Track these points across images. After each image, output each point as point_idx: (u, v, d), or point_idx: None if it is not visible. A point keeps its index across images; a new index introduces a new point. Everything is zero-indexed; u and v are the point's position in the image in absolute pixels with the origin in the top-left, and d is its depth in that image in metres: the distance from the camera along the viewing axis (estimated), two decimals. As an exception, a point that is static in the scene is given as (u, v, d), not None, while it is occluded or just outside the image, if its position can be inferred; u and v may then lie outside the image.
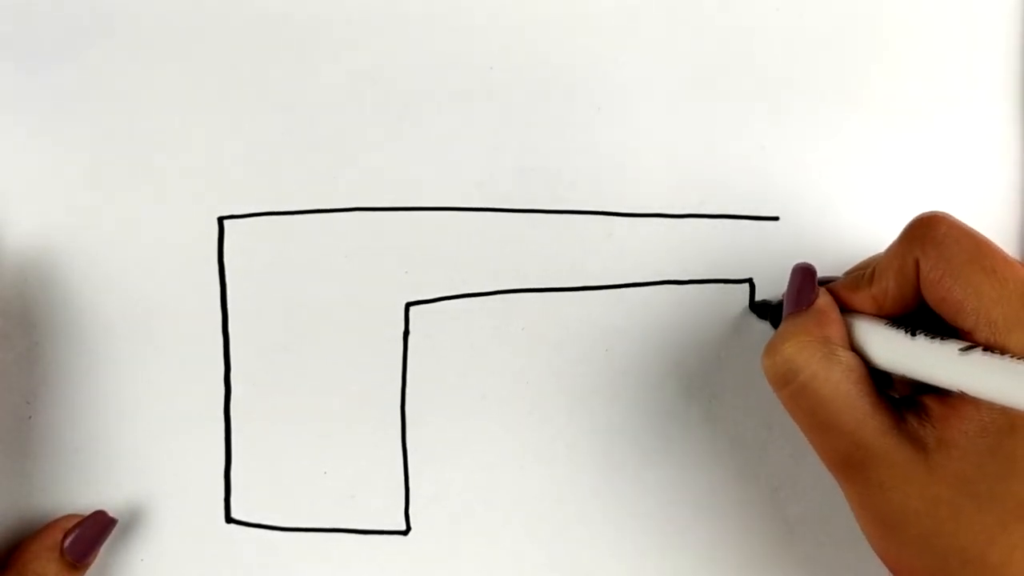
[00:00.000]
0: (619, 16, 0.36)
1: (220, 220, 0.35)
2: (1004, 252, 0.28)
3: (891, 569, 0.31)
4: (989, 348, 0.27)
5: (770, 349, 0.31)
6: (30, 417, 0.35)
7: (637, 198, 0.36)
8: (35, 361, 0.35)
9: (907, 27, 0.37)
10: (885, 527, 0.29)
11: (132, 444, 0.35)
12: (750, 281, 0.36)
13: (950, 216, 0.29)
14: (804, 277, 0.32)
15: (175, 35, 0.35)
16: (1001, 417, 0.27)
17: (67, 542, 0.33)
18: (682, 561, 0.36)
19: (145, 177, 0.35)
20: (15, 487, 0.35)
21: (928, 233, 0.29)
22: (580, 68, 0.36)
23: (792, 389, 0.30)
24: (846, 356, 0.30)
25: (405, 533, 0.36)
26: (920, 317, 0.30)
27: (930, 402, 0.29)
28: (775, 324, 0.34)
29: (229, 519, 0.35)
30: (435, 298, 0.36)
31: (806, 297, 0.31)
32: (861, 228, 0.36)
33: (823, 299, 0.31)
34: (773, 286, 0.36)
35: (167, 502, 0.35)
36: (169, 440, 0.35)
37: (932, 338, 0.29)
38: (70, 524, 0.34)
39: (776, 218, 0.36)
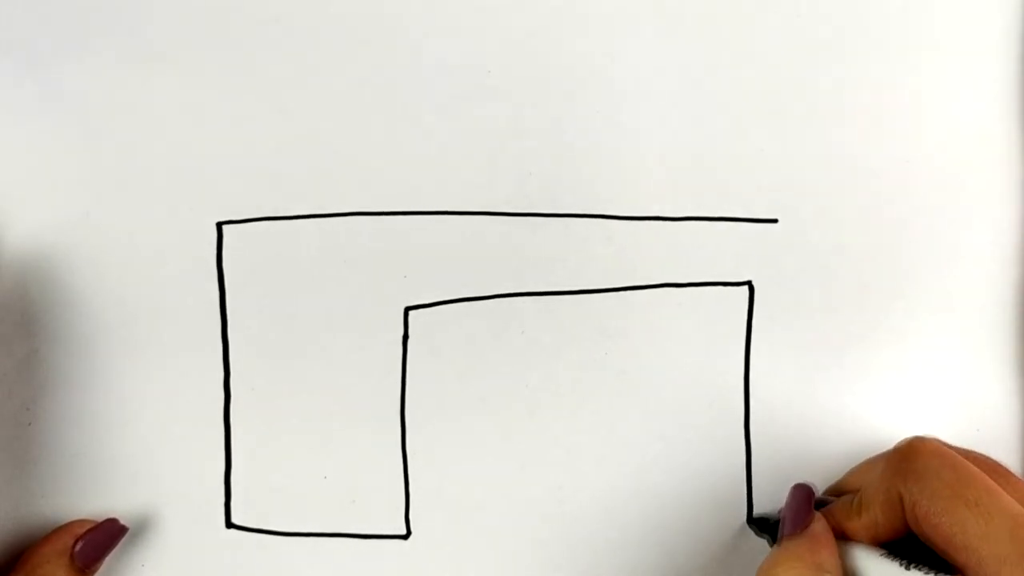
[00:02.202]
0: (618, 19, 0.36)
1: (219, 225, 0.35)
2: (988, 481, 0.28)
3: None
4: None
5: (763, 573, 0.31)
6: (30, 423, 0.35)
7: (636, 201, 0.36)
8: (35, 367, 0.35)
9: (906, 27, 0.37)
10: None
11: (132, 449, 0.35)
12: (749, 284, 0.36)
13: (932, 443, 0.29)
14: (802, 499, 0.32)
15: (175, 39, 0.35)
16: None
17: (77, 547, 0.33)
18: (682, 562, 0.36)
19: (144, 182, 0.35)
20: (15, 493, 0.35)
21: (909, 466, 0.29)
22: (579, 71, 0.36)
23: None
24: None
25: (405, 537, 0.36)
26: (916, 542, 0.29)
27: None
28: (773, 540, 0.33)
29: (229, 524, 0.35)
30: (434, 302, 0.36)
31: (801, 519, 0.31)
32: (860, 230, 0.36)
33: (818, 524, 0.31)
34: (772, 289, 0.36)
35: (167, 507, 0.35)
36: (169, 445, 0.35)
37: (927, 572, 0.28)
38: (82, 530, 0.34)
39: (775, 220, 0.36)
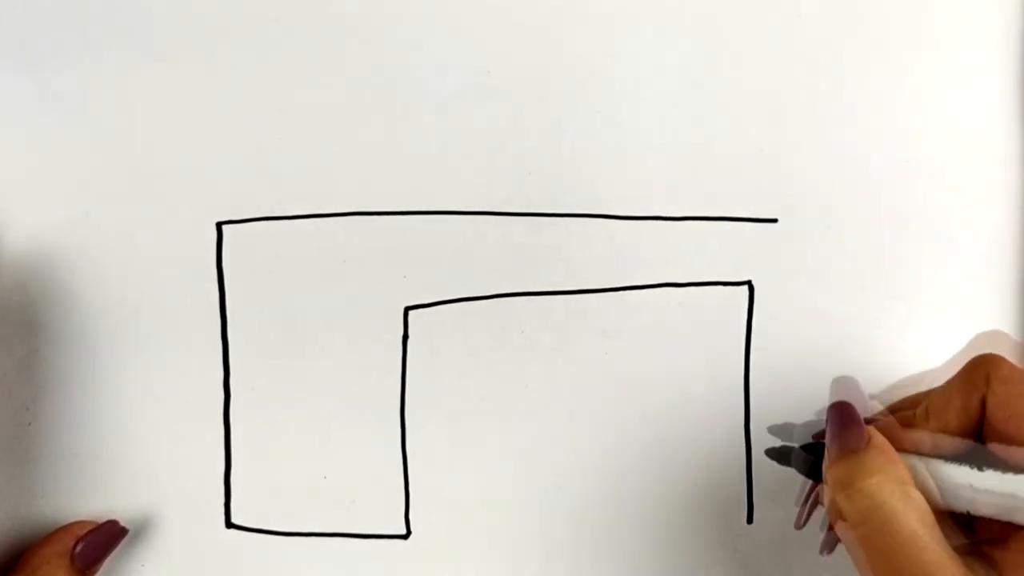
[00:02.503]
0: (617, 19, 0.36)
1: (219, 225, 0.35)
2: None
3: None
4: None
5: (843, 486, 0.30)
6: (30, 423, 0.35)
7: (636, 201, 0.36)
8: (35, 367, 0.35)
9: (906, 27, 0.37)
10: None
11: (132, 449, 0.35)
12: (749, 283, 0.36)
13: (1005, 358, 0.30)
14: (851, 414, 0.31)
15: (175, 39, 0.35)
16: None
17: (78, 548, 0.33)
18: (682, 562, 0.36)
19: (144, 183, 0.35)
20: (15, 493, 0.35)
21: (995, 372, 0.29)
22: (579, 71, 0.36)
23: (870, 528, 0.29)
24: (917, 496, 0.29)
25: (405, 537, 0.36)
26: (971, 455, 0.30)
27: (993, 552, 0.29)
28: (800, 469, 0.33)
29: (229, 524, 0.35)
30: (434, 302, 0.36)
31: (860, 436, 0.30)
32: (860, 230, 0.36)
33: (879, 437, 0.31)
34: (772, 288, 0.36)
35: (167, 507, 0.35)
36: (169, 445, 0.35)
37: (1003, 472, 0.28)
38: (82, 531, 0.34)
39: (775, 220, 0.36)
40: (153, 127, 0.35)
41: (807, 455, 0.32)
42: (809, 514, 0.34)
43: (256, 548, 0.35)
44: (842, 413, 0.31)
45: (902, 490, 0.29)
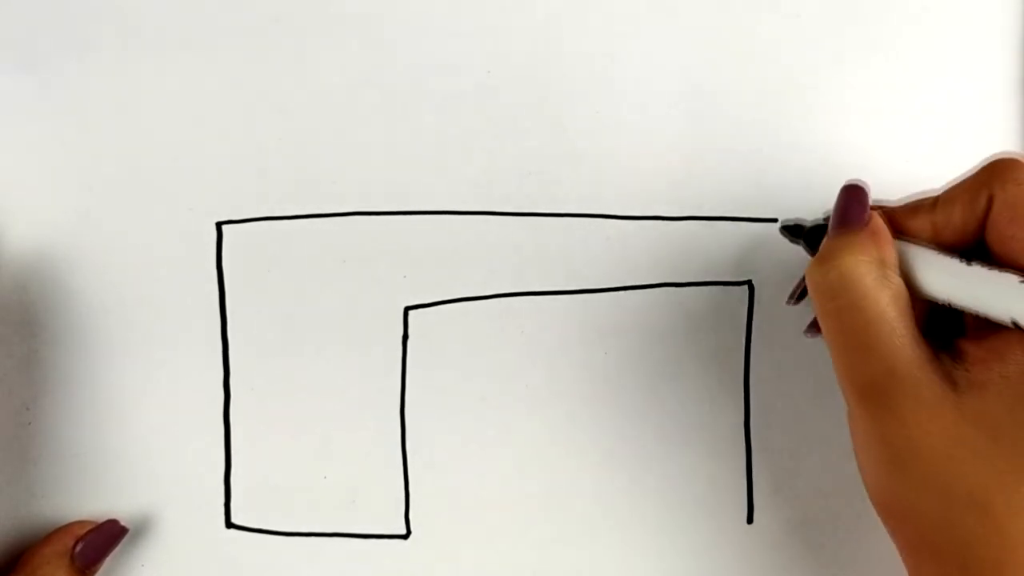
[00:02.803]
0: (617, 19, 0.36)
1: (218, 225, 0.35)
2: None
3: (882, 510, 0.30)
4: None
5: (823, 260, 0.30)
6: (30, 423, 0.35)
7: (635, 201, 0.36)
8: (34, 366, 0.35)
9: (906, 27, 0.37)
10: (893, 463, 0.29)
11: (132, 449, 0.35)
12: (749, 283, 0.36)
13: None
14: (860, 195, 0.32)
15: (175, 39, 0.35)
16: None
17: (78, 549, 0.33)
18: (682, 562, 0.36)
19: (143, 182, 0.35)
20: (15, 493, 0.35)
21: (1011, 172, 0.29)
22: (578, 71, 0.36)
23: (839, 304, 0.30)
24: (896, 280, 0.29)
25: (405, 537, 0.36)
26: (974, 253, 0.29)
27: (967, 346, 0.29)
28: (810, 247, 0.33)
29: (229, 524, 0.35)
30: (434, 302, 0.36)
31: (861, 215, 0.31)
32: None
33: (878, 220, 0.31)
34: (772, 288, 0.36)
35: (167, 507, 0.35)
36: (169, 445, 0.35)
37: (990, 267, 0.28)
38: (82, 531, 0.34)
39: (775, 220, 0.36)
40: (153, 127, 0.35)
41: (815, 232, 0.33)
42: (799, 290, 0.35)
43: (256, 548, 0.35)
44: (850, 192, 0.32)
45: (881, 271, 0.29)
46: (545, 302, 0.36)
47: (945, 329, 0.31)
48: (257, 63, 0.35)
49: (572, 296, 0.36)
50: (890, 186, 0.36)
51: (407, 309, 0.36)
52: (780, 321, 0.36)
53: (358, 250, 0.36)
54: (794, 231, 0.34)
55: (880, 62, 0.36)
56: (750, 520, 0.36)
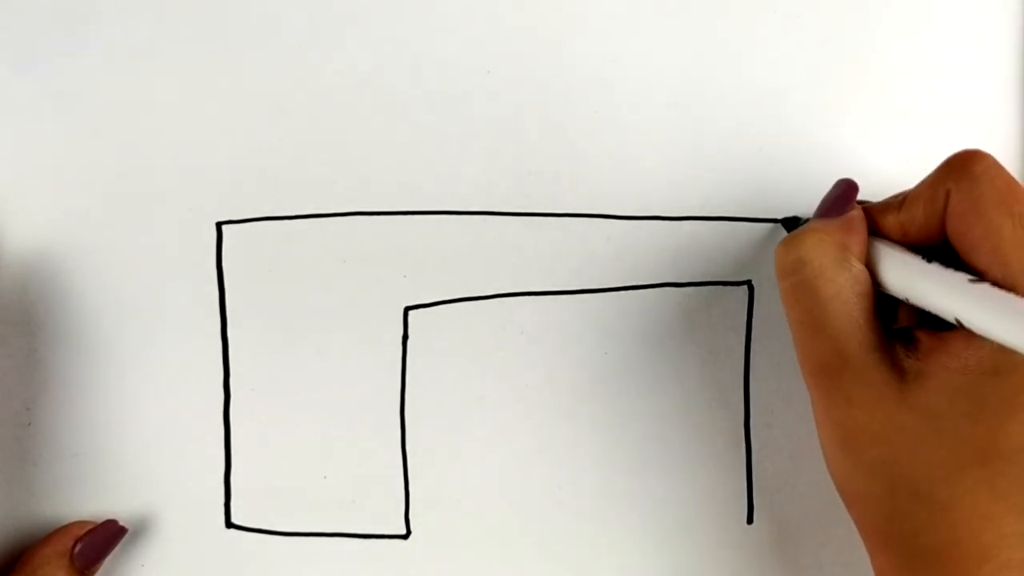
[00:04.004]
0: (617, 19, 0.36)
1: (218, 225, 0.35)
2: None
3: (841, 489, 0.31)
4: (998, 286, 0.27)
5: (789, 239, 0.31)
6: (30, 423, 0.35)
7: (635, 201, 0.36)
8: (34, 367, 0.35)
9: (906, 28, 0.37)
10: (843, 444, 0.30)
11: (132, 450, 0.35)
12: (748, 283, 0.36)
13: (991, 156, 0.29)
14: (845, 190, 0.32)
15: (175, 39, 0.35)
16: (987, 359, 0.28)
17: (77, 549, 0.33)
18: (682, 562, 0.36)
19: (143, 182, 0.35)
20: (14, 493, 0.35)
21: (965, 166, 0.29)
22: (578, 71, 0.36)
23: (795, 280, 0.30)
24: (857, 267, 0.30)
25: (405, 537, 0.36)
26: (943, 252, 0.30)
27: (921, 336, 0.29)
28: None
29: (229, 524, 0.35)
30: (434, 302, 0.36)
31: (840, 207, 0.32)
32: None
33: (855, 212, 0.31)
34: (772, 288, 0.36)
35: (167, 507, 0.35)
36: (169, 445, 0.35)
37: (946, 267, 0.29)
38: (81, 531, 0.34)
39: (775, 220, 0.36)
40: (153, 127, 0.35)
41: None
42: None
43: (256, 548, 0.35)
44: (838, 186, 0.33)
45: (842, 255, 0.30)
46: (545, 302, 0.36)
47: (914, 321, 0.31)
48: (257, 62, 0.35)
49: (572, 296, 0.36)
50: (890, 186, 0.36)
51: (407, 309, 0.36)
52: (780, 321, 0.36)
53: (358, 250, 0.36)
54: (790, 225, 0.35)
55: (880, 62, 0.36)
56: (750, 520, 0.36)
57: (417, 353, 0.36)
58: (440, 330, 0.36)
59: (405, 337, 0.36)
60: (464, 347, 0.36)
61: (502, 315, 0.36)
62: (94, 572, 0.34)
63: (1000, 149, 0.37)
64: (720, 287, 0.36)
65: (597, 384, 0.36)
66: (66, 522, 0.35)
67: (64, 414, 0.35)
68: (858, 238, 0.31)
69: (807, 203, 0.36)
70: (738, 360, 0.36)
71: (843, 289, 0.30)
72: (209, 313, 0.35)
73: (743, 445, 0.36)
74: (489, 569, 0.36)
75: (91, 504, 0.35)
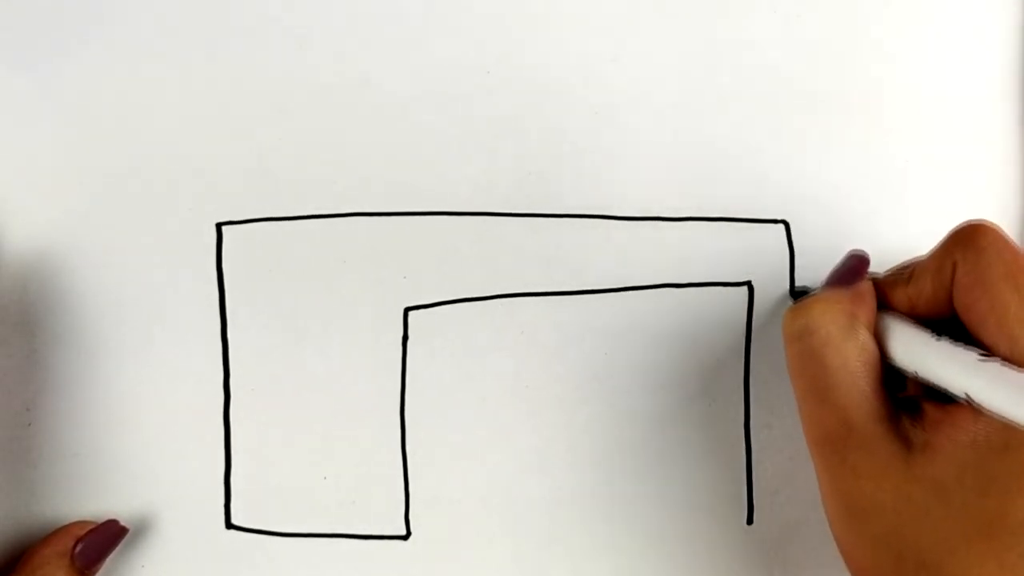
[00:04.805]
0: (617, 19, 0.36)
1: (218, 226, 0.35)
2: None
3: (847, 560, 0.31)
4: (1007, 363, 0.27)
5: (797, 307, 0.31)
6: (30, 424, 0.35)
7: (635, 201, 0.36)
8: (34, 367, 0.35)
9: (906, 28, 0.37)
10: (850, 515, 0.29)
11: (132, 450, 0.35)
12: (749, 284, 0.36)
13: (997, 228, 0.29)
14: (858, 263, 0.33)
15: (175, 39, 0.35)
16: (996, 435, 0.27)
17: (78, 549, 0.33)
18: (682, 563, 0.36)
19: (143, 183, 0.35)
20: (14, 494, 0.35)
21: (971, 239, 0.29)
22: (578, 71, 0.36)
23: (802, 347, 0.30)
24: (865, 337, 0.30)
25: (405, 538, 0.36)
26: (951, 326, 0.30)
27: (929, 408, 0.29)
28: None
29: (229, 525, 0.35)
30: (434, 303, 0.36)
31: (850, 279, 0.32)
32: (860, 230, 0.36)
33: (865, 284, 0.32)
34: (772, 289, 0.36)
35: (167, 508, 0.35)
36: (169, 446, 0.35)
37: (955, 343, 0.28)
38: (82, 531, 0.34)
39: (775, 220, 0.36)
40: (153, 127, 0.35)
41: None
42: None
43: (256, 549, 0.35)
44: (850, 259, 0.33)
45: (850, 323, 0.30)
46: (545, 303, 0.36)
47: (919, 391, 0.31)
48: (257, 63, 0.35)
49: (572, 296, 0.36)
50: (890, 186, 0.36)
51: (407, 310, 0.36)
52: (780, 322, 0.36)
53: (358, 250, 0.35)
54: (798, 295, 0.35)
55: (880, 62, 0.36)
56: (750, 521, 0.36)
57: (417, 354, 0.36)
58: (440, 331, 0.36)
59: (405, 338, 0.36)
60: (464, 347, 0.36)
61: (502, 316, 0.36)
62: (95, 572, 0.34)
63: (1000, 149, 0.37)
64: (720, 287, 0.36)
65: (597, 384, 0.36)
66: (66, 522, 0.34)
67: (64, 414, 0.35)
68: (866, 309, 0.31)
69: (807, 203, 0.36)
70: (738, 360, 0.36)
71: (850, 358, 0.29)
72: (209, 313, 0.35)
73: (743, 445, 0.36)
74: (489, 569, 0.36)
75: (91, 504, 0.35)
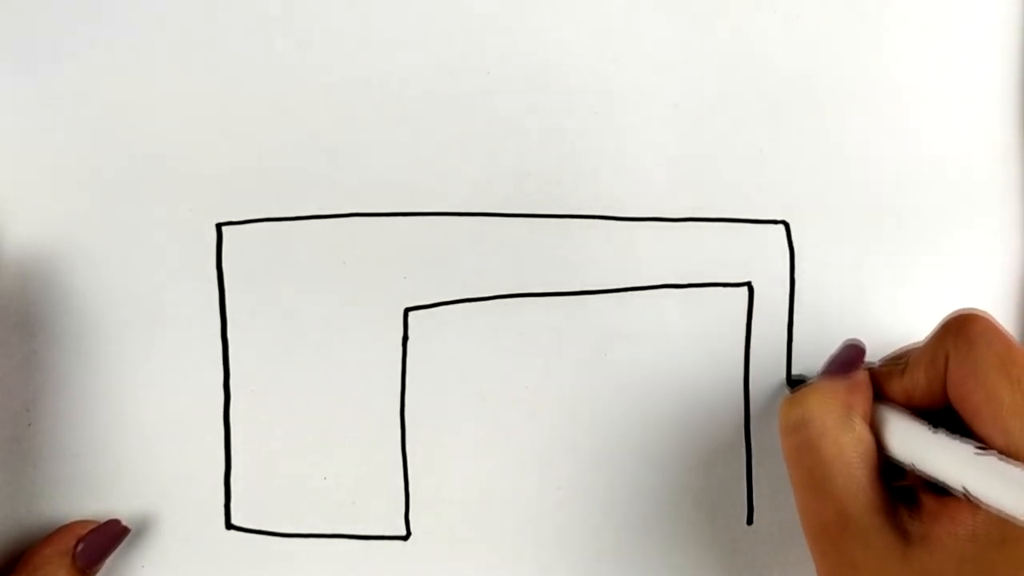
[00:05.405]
0: (617, 19, 0.36)
1: (218, 226, 0.35)
2: None
3: None
4: (1004, 456, 0.27)
5: (793, 397, 0.31)
6: (30, 424, 0.35)
7: (635, 202, 0.36)
8: (35, 368, 0.35)
9: (906, 28, 0.37)
10: None
11: (132, 451, 0.35)
12: (748, 285, 0.36)
13: (988, 317, 0.29)
14: (854, 353, 0.33)
15: (175, 39, 0.35)
16: (994, 528, 0.27)
17: (79, 548, 0.33)
18: (682, 563, 0.36)
19: (143, 183, 0.35)
20: (15, 494, 0.35)
21: (962, 330, 0.29)
22: (578, 71, 0.36)
23: (798, 439, 0.30)
24: (861, 428, 0.30)
25: (405, 538, 0.36)
26: (948, 417, 0.29)
27: (926, 499, 0.29)
28: None
29: (229, 525, 0.35)
30: (434, 303, 0.36)
31: (847, 369, 0.32)
32: (859, 231, 0.36)
33: (861, 375, 0.32)
34: (772, 290, 0.36)
35: (167, 509, 0.35)
36: (169, 446, 0.35)
37: (952, 436, 0.28)
38: (84, 530, 0.34)
39: (775, 221, 0.36)
40: (153, 127, 0.35)
41: None
42: None
43: (256, 549, 0.35)
44: (846, 349, 0.33)
45: (847, 414, 0.30)
46: (545, 303, 0.36)
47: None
48: (257, 63, 0.35)
49: (572, 297, 0.36)
50: (890, 186, 0.36)
51: (407, 310, 0.36)
52: (780, 323, 0.36)
53: (358, 251, 0.35)
54: (795, 384, 0.35)
55: (880, 62, 0.36)
56: (750, 521, 0.36)
57: (417, 354, 0.36)
58: (440, 331, 0.36)
59: (405, 338, 0.36)
60: (464, 348, 0.36)
61: (502, 316, 0.36)
62: (96, 572, 0.34)
63: (1000, 149, 0.37)
64: (720, 288, 0.36)
65: (597, 385, 0.36)
66: (67, 522, 0.35)
67: (64, 414, 0.35)
68: (863, 400, 0.31)
69: (807, 203, 0.36)
70: (738, 360, 0.36)
71: (846, 449, 0.29)
72: (209, 314, 0.35)
73: (743, 445, 0.36)
74: (489, 570, 0.36)
75: (91, 504, 0.35)
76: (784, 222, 0.36)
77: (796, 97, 0.36)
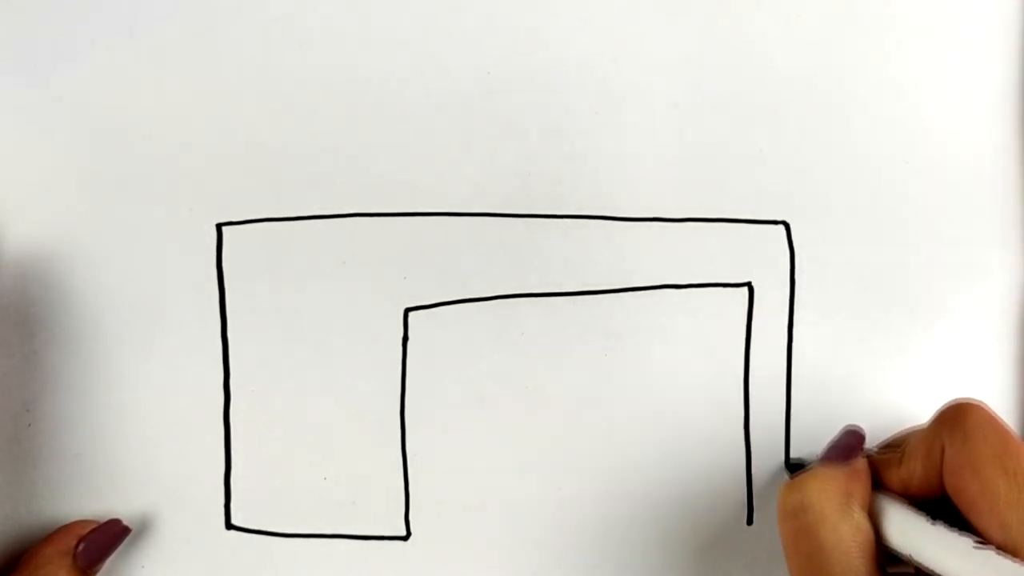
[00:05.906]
0: (618, 20, 0.36)
1: (219, 226, 0.35)
2: None
3: None
4: (1002, 550, 0.27)
5: (793, 483, 0.31)
6: (30, 424, 0.35)
7: (636, 202, 0.36)
8: (35, 368, 0.35)
9: (906, 28, 0.37)
10: None
11: (132, 451, 0.35)
12: (749, 285, 0.36)
13: (983, 407, 0.29)
14: (854, 440, 0.32)
15: (175, 39, 0.35)
16: None
17: (80, 548, 0.33)
18: (682, 563, 0.36)
19: (144, 182, 0.35)
20: (15, 494, 0.35)
21: (958, 421, 0.29)
22: (579, 72, 0.36)
23: (797, 525, 0.30)
24: (860, 517, 0.30)
25: (405, 538, 0.36)
26: (946, 506, 0.29)
27: None
28: None
29: (229, 526, 0.35)
30: (434, 303, 0.36)
31: (847, 455, 0.32)
32: (860, 231, 0.36)
33: (860, 462, 0.31)
34: (772, 289, 0.36)
35: (167, 509, 0.35)
36: (168, 447, 0.35)
37: (951, 529, 0.28)
38: (84, 530, 0.34)
39: (775, 221, 0.36)
40: (153, 127, 0.35)
41: None
42: None
43: (256, 549, 0.35)
44: (846, 435, 0.33)
45: (846, 502, 0.30)
46: (545, 303, 0.36)
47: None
48: (258, 63, 0.35)
49: (572, 297, 0.36)
50: (890, 185, 0.36)
51: (407, 311, 0.36)
52: (780, 323, 0.36)
53: (358, 251, 0.35)
54: (794, 468, 0.35)
55: (880, 62, 0.36)
56: (750, 521, 0.36)
57: (417, 355, 0.36)
58: (440, 331, 0.36)
59: (405, 339, 0.36)
60: (464, 348, 0.36)
61: (502, 316, 0.36)
62: (96, 572, 0.34)
63: (1000, 149, 0.37)
64: (720, 288, 0.36)
65: (597, 385, 0.36)
66: (67, 522, 0.34)
67: (64, 414, 0.35)
68: (862, 487, 0.31)
69: (808, 204, 0.36)
70: (738, 360, 0.36)
71: (844, 538, 0.29)
72: (209, 314, 0.35)
73: (743, 445, 0.36)
74: (489, 570, 0.36)
75: (91, 504, 0.35)
76: (784, 222, 0.36)
77: (796, 97, 0.36)
